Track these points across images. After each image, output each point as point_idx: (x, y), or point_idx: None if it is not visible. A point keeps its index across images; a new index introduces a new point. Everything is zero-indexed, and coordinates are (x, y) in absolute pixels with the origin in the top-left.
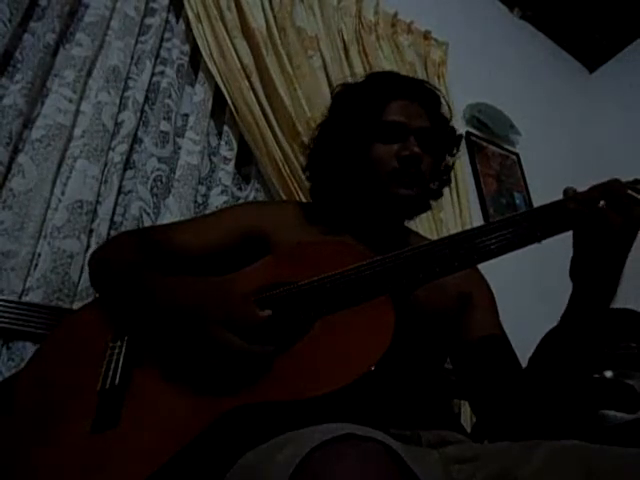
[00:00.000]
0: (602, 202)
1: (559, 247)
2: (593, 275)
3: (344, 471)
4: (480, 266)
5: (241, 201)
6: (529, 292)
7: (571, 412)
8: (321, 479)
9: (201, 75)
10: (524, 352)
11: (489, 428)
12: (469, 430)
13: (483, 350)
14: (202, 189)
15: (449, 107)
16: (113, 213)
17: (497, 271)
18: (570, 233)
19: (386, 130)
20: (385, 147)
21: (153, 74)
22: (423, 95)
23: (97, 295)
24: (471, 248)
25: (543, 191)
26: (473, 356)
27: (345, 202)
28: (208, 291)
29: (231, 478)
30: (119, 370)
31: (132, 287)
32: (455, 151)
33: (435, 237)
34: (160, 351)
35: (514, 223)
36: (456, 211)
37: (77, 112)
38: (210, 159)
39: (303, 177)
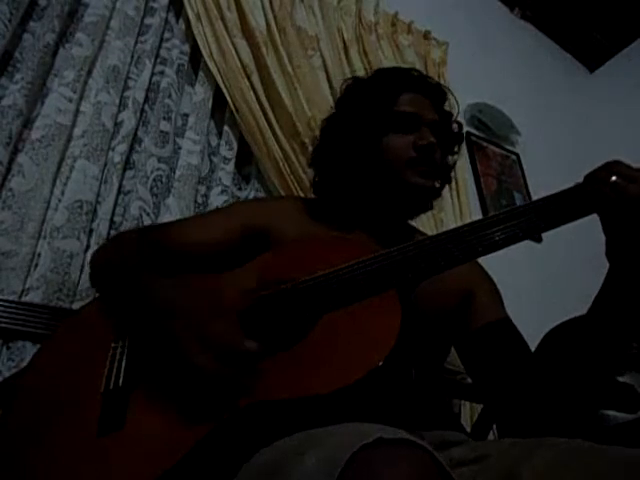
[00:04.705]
0: (614, 178)
1: (560, 248)
2: (629, 254)
3: (395, 476)
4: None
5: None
6: (530, 294)
7: (576, 408)
8: None
9: (201, 75)
10: None
11: (500, 419)
12: (469, 430)
13: (491, 335)
14: (202, 189)
15: (457, 102)
16: (113, 213)
17: (498, 272)
18: (572, 230)
19: (400, 120)
20: (401, 137)
21: (153, 74)
22: (431, 89)
23: (97, 295)
24: (475, 240)
25: (543, 191)
26: (481, 343)
27: (355, 196)
28: (197, 304)
29: (245, 477)
30: (122, 370)
31: (128, 291)
32: (457, 149)
33: None
34: (154, 354)
35: (518, 215)
36: (456, 211)
37: (77, 112)
38: (210, 159)
39: (303, 176)
